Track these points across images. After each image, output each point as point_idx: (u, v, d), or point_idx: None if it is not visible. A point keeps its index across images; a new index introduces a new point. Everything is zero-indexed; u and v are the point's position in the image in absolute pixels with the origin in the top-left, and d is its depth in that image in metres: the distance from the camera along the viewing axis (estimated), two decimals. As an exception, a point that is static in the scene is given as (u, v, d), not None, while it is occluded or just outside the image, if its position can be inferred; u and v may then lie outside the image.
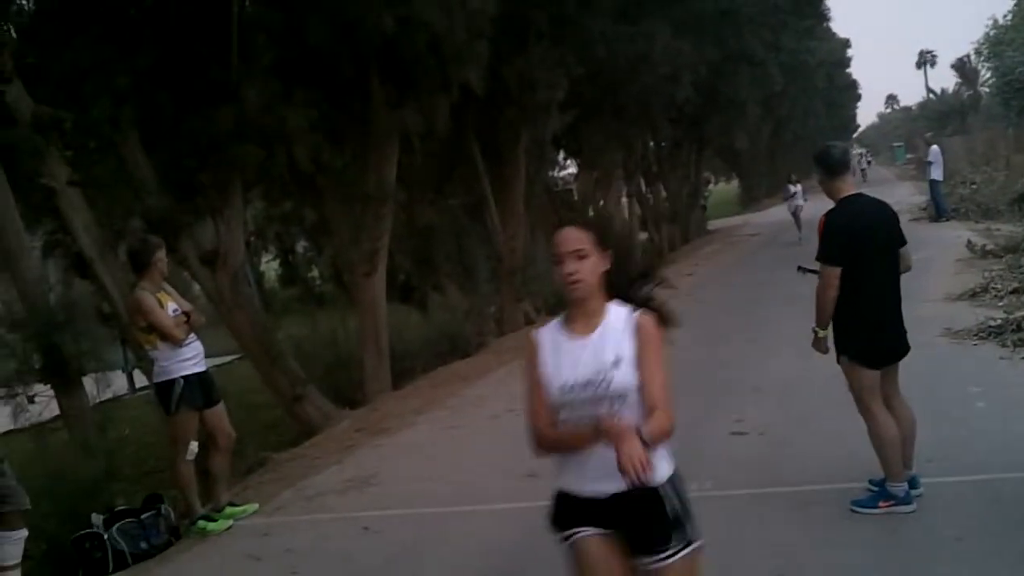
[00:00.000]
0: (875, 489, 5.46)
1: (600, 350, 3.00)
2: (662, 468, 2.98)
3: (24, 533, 5.72)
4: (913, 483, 5.41)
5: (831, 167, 5.52)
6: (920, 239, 14.07)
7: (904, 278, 5.49)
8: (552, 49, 15.06)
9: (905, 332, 5.45)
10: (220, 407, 7.18)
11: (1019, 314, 9.62)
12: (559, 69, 15.08)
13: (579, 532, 3.04)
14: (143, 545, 6.79)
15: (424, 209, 16.02)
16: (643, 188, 29.86)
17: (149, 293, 6.79)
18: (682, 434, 7.91)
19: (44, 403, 8.71)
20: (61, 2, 9.47)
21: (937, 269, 13.65)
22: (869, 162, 65.35)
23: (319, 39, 9.82)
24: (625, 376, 2.97)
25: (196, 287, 11.54)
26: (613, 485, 2.86)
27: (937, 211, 22.65)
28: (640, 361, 2.99)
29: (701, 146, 33.63)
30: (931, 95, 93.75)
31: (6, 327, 8.60)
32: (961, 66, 78.68)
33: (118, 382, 13.26)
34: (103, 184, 10.79)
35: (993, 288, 11.58)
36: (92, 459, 7.68)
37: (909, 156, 66.17)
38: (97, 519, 6.78)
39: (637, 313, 3.10)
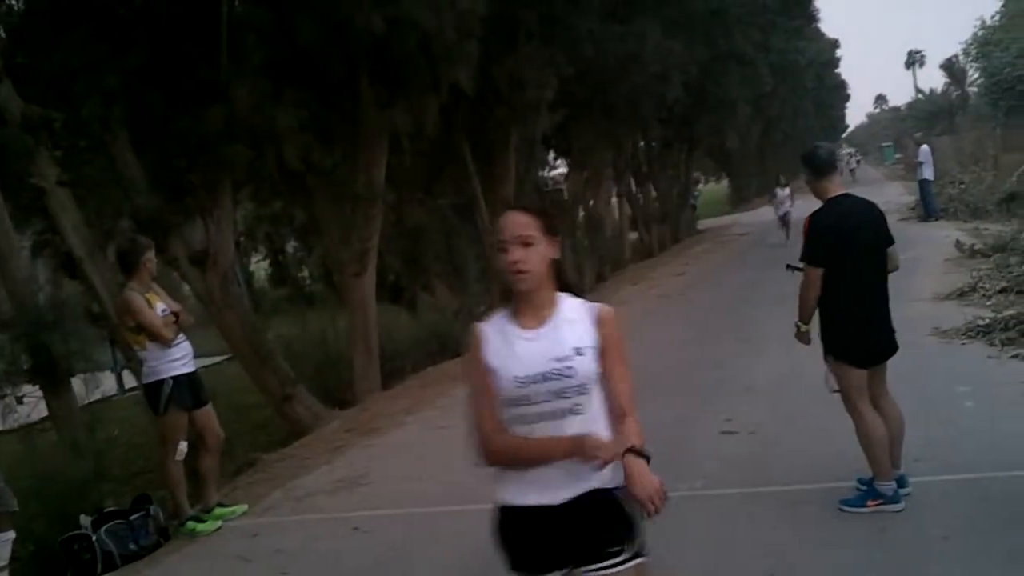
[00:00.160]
0: (864, 488, 5.48)
1: (557, 340, 2.78)
2: (619, 472, 2.74)
3: (12, 535, 5.71)
4: (901, 482, 5.44)
5: (818, 168, 5.54)
6: (909, 239, 14.15)
7: (893, 277, 5.52)
8: (542, 49, 15.08)
9: (893, 331, 5.48)
10: (209, 407, 7.18)
11: (1007, 313, 9.66)
12: (549, 69, 15.09)
13: None
14: (132, 546, 6.76)
15: (414, 209, 16.01)
16: (633, 188, 29.85)
17: (138, 293, 6.78)
18: (673, 433, 7.97)
19: (32, 404, 8.68)
20: (51, 2, 9.43)
21: (926, 269, 13.71)
22: (858, 161, 65.53)
23: (309, 39, 9.81)
24: (589, 366, 2.77)
25: (186, 287, 11.52)
26: (567, 492, 2.74)
27: (926, 211, 22.74)
28: (606, 358, 2.81)
29: (691, 146, 33.67)
30: (920, 95, 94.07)
31: (-5, 327, 8.57)
32: (949, 66, 78.89)
33: (107, 382, 13.23)
34: (93, 184, 10.76)
35: (981, 288, 11.62)
36: (81, 460, 7.64)
37: (898, 156, 66.41)
38: (85, 520, 6.75)
39: (597, 305, 2.91)
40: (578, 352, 2.75)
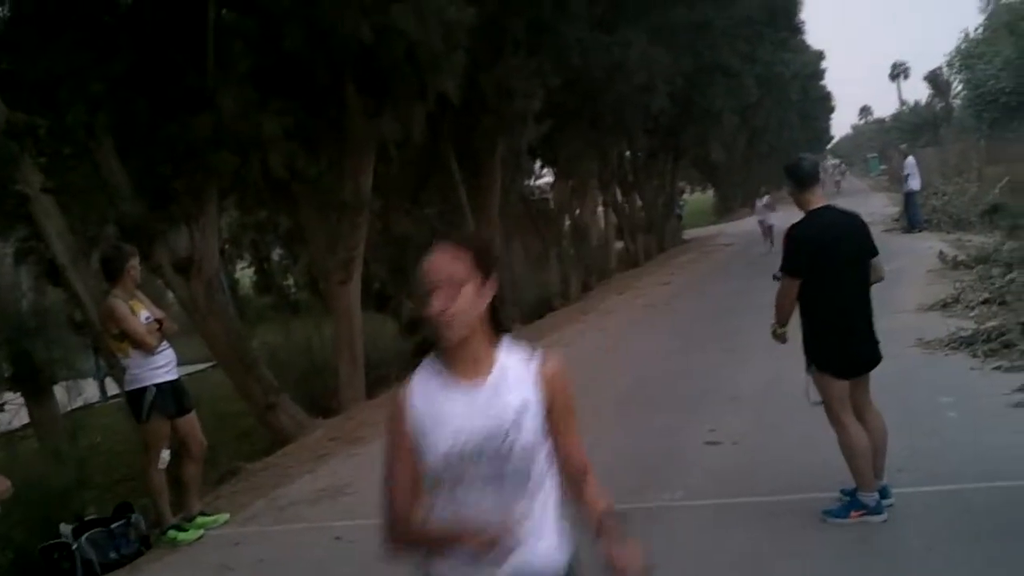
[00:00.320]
0: (846, 499, 5.49)
1: (495, 400, 2.40)
2: (571, 546, 2.52)
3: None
4: (884, 493, 5.45)
5: (801, 179, 5.57)
6: (893, 250, 14.22)
7: (876, 288, 5.54)
8: (529, 58, 15.13)
9: (877, 342, 5.50)
10: (192, 415, 7.15)
11: (989, 325, 9.72)
12: (536, 79, 15.13)
13: None
14: (113, 555, 6.73)
15: (400, 218, 15.99)
16: (619, 197, 29.92)
17: (122, 300, 6.76)
18: (657, 443, 7.98)
19: (14, 411, 8.64)
20: (36, 8, 9.40)
21: (909, 280, 13.76)
22: (843, 173, 65.85)
23: (295, 46, 9.80)
24: (533, 434, 2.41)
25: (170, 295, 11.48)
26: (505, 567, 2.36)
27: (910, 222, 22.86)
28: (553, 415, 2.46)
29: (677, 156, 33.77)
30: (904, 107, 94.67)
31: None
32: (934, 78, 79.38)
33: (90, 390, 13.19)
34: (77, 191, 10.71)
35: (964, 299, 11.67)
36: (62, 467, 7.62)
37: (883, 167, 66.76)
38: (66, 529, 6.72)
39: (540, 355, 2.52)
40: (519, 414, 2.40)
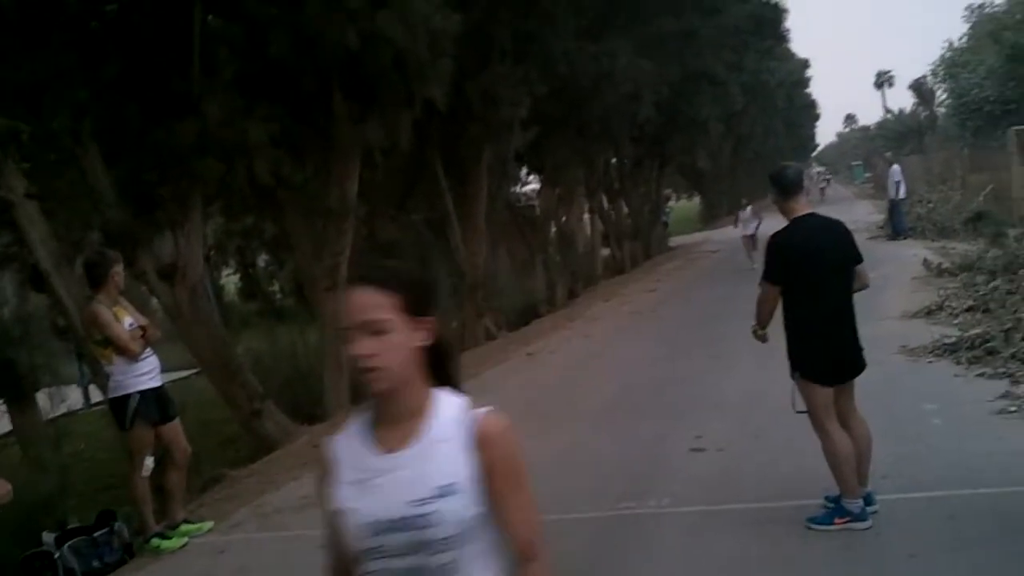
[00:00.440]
0: (831, 506, 5.49)
1: (419, 473, 2.01)
2: None
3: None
4: (868, 500, 5.46)
5: (785, 187, 5.59)
6: (877, 257, 14.29)
7: (861, 296, 5.56)
8: (516, 67, 15.16)
9: (861, 349, 5.51)
10: (176, 422, 7.11)
11: (973, 332, 9.77)
12: (522, 87, 15.16)
13: None
14: (95, 563, 6.67)
15: (386, 224, 16.00)
16: (605, 205, 29.97)
17: (105, 307, 6.72)
18: (643, 451, 7.97)
19: (-4, 418, 8.60)
20: (21, 13, 9.36)
21: (894, 287, 13.82)
22: (828, 181, 66.14)
23: (281, 53, 9.78)
24: (459, 510, 2.00)
25: (154, 301, 11.43)
26: None
27: (895, 229, 22.97)
28: (495, 489, 2.03)
29: (663, 163, 33.90)
30: (889, 115, 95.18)
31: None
32: (918, 87, 79.82)
33: (73, 396, 13.11)
34: (62, 197, 10.67)
35: (948, 306, 11.75)
36: (45, 475, 7.56)
37: (867, 175, 67.08)
38: (48, 537, 6.66)
39: (480, 414, 2.08)
40: (443, 493, 1.99)
